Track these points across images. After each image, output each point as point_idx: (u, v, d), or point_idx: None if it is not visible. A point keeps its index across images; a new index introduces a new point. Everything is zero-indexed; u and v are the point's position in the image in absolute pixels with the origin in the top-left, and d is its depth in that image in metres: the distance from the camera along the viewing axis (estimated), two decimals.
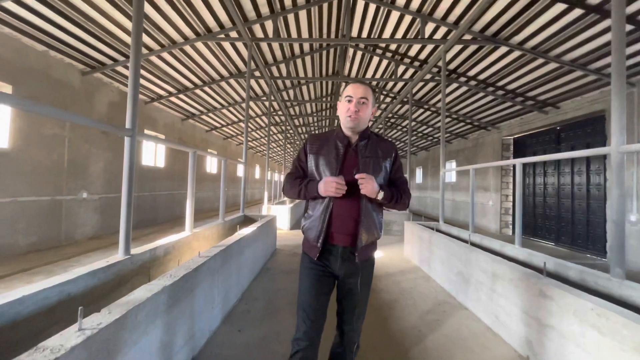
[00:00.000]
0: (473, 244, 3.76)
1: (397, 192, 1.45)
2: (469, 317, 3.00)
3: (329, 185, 1.32)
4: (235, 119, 12.20)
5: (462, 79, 7.40)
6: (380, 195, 1.37)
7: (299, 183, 1.48)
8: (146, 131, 8.37)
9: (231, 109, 10.83)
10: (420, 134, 13.31)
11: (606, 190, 6.14)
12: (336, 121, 15.22)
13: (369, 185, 1.33)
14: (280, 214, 8.51)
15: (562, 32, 4.91)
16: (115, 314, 1.35)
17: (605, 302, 1.76)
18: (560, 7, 4.44)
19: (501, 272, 2.67)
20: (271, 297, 3.35)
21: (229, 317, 2.81)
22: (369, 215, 1.42)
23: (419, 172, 17.90)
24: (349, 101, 1.44)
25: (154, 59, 6.48)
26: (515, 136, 9.29)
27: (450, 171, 13.51)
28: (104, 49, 5.79)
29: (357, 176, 1.33)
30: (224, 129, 13.39)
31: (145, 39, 5.77)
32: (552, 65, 5.77)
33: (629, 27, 4.37)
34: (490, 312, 2.82)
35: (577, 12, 4.42)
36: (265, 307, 3.07)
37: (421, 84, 8.26)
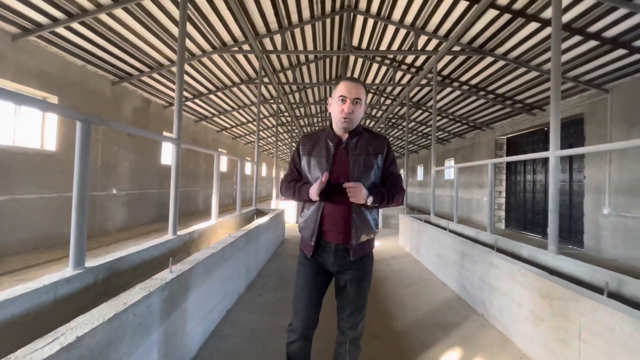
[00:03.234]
0: (452, 232, 4.43)
1: (387, 192, 1.43)
2: (444, 289, 3.68)
3: (313, 189, 1.37)
4: (244, 120, 12.94)
5: (455, 84, 8.01)
6: (370, 201, 1.36)
7: (294, 185, 1.50)
8: (165, 133, 9.14)
9: (241, 111, 11.55)
10: (420, 134, 13.92)
11: (585, 186, 6.71)
12: None
13: (357, 195, 1.32)
14: (288, 208, 9.22)
15: (539, 45, 5.51)
16: (187, 265, 2.06)
17: (525, 264, 2.44)
18: (534, 25, 5.05)
19: (467, 250, 3.35)
20: (282, 275, 4.06)
21: (250, 286, 3.54)
22: (360, 213, 1.43)
23: (420, 170, 18.47)
24: (343, 101, 1.41)
25: (174, 69, 7.19)
26: (508, 136, 9.88)
27: (439, 169, 14.10)
28: (131, 62, 6.53)
29: (345, 185, 1.33)
30: (234, 129, 14.15)
31: (168, 52, 6.49)
32: (535, 73, 6.37)
33: (595, 43, 4.97)
34: (459, 283, 3.49)
35: (550, 29, 5.02)
36: (278, 281, 3.78)
37: (418, 88, 8.87)
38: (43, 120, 5.49)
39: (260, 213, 6.15)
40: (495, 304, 2.75)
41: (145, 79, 7.37)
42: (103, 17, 4.93)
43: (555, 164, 2.92)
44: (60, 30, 4.94)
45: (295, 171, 1.57)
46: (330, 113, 1.51)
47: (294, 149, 1.57)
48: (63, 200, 5.68)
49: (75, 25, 4.94)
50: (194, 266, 2.10)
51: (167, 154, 10.00)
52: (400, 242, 6.45)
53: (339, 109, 1.41)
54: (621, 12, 4.25)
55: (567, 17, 4.68)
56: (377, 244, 6.42)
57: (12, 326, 1.41)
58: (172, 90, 8.42)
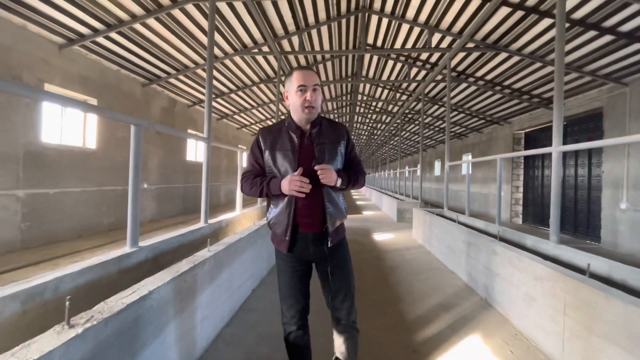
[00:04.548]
0: (462, 224, 4.62)
1: (353, 175, 1.50)
2: (452, 277, 3.91)
3: (293, 184, 1.32)
4: (263, 117, 13.38)
5: (471, 79, 8.05)
6: (339, 183, 1.41)
7: (260, 182, 1.44)
8: (189, 130, 9.69)
9: (260, 109, 11.98)
10: (437, 128, 13.90)
11: (603, 181, 6.66)
12: (356, 117, 16.04)
13: (328, 176, 1.35)
14: None
15: (555, 41, 5.52)
16: (221, 246, 2.43)
17: (522, 251, 2.66)
18: (548, 21, 5.10)
19: (473, 240, 3.57)
20: None
21: (272, 270, 3.91)
22: (332, 200, 1.46)
23: (437, 165, 18.38)
24: (303, 91, 1.39)
25: (199, 71, 7.66)
26: (526, 130, 9.78)
27: (453, 165, 14.03)
28: (160, 65, 7.03)
29: (316, 167, 1.34)
30: (253, 126, 14.64)
31: (193, 55, 6.93)
32: (551, 68, 6.36)
33: (610, 38, 4.97)
34: (466, 271, 3.72)
35: (566, 25, 5.05)
36: None
37: (433, 83, 8.95)
38: (84, 120, 6.06)
39: None
40: (496, 288, 2.98)
41: (172, 80, 7.87)
42: (136, 26, 5.39)
43: (558, 159, 3.08)
44: (99, 39, 5.45)
45: (257, 166, 1.52)
46: (288, 106, 1.51)
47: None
48: (102, 194, 6.27)
49: (112, 34, 5.43)
50: (226, 247, 2.47)
51: (192, 151, 10.58)
52: (413, 234, 6.67)
53: (301, 99, 1.39)
54: (635, 7, 4.26)
55: (581, 13, 4.73)
56: (391, 236, 6.67)
57: (90, 287, 1.81)
58: (196, 90, 8.93)
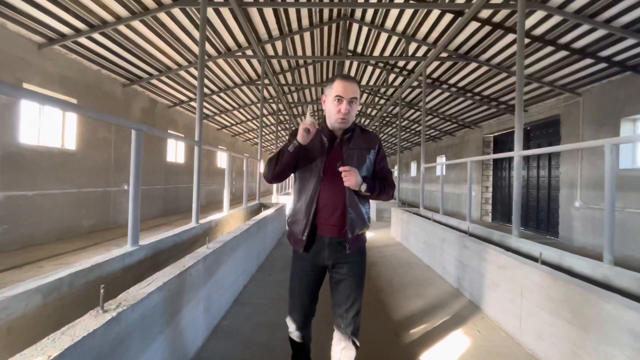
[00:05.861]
0: (437, 222, 5.00)
1: (380, 184, 1.46)
2: (428, 271, 4.26)
3: (300, 130, 1.35)
4: (244, 119, 13.40)
5: (444, 86, 8.57)
6: (364, 188, 1.38)
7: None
8: (169, 130, 9.58)
9: (241, 110, 12.02)
10: (413, 131, 14.50)
11: (560, 182, 7.33)
12: None
13: (352, 178, 1.33)
14: (288, 202, 9.74)
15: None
16: (218, 244, 2.60)
17: (487, 244, 3.02)
18: (512, 36, 5.60)
19: (446, 236, 3.92)
20: (287, 259, 4.60)
21: (261, 268, 4.09)
22: (355, 206, 1.44)
23: (414, 166, 19.08)
24: (339, 101, 1.40)
25: (181, 72, 7.65)
26: (495, 134, 10.49)
27: (428, 167, 14.73)
28: (141, 65, 6.97)
29: (340, 169, 1.34)
30: (233, 127, 14.61)
31: (176, 57, 6.94)
32: (515, 78, 6.93)
33: (565, 53, 5.54)
34: (441, 265, 4.07)
35: (526, 40, 5.58)
36: (283, 264, 4.33)
37: (409, 89, 9.41)
38: (63, 121, 5.94)
39: (263, 207, 6.67)
40: (466, 278, 3.33)
41: (153, 81, 7.81)
42: (120, 27, 5.38)
43: (519, 162, 3.49)
44: (81, 39, 5.38)
45: None
46: (324, 110, 1.53)
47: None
48: (82, 196, 6.15)
49: (95, 34, 5.38)
50: (223, 244, 2.64)
51: (172, 152, 10.46)
52: (392, 232, 7.04)
53: (336, 109, 1.42)
54: (585, 27, 4.82)
55: (540, 30, 5.25)
56: (371, 234, 6.99)
57: (99, 282, 1.94)
58: (177, 91, 8.88)
